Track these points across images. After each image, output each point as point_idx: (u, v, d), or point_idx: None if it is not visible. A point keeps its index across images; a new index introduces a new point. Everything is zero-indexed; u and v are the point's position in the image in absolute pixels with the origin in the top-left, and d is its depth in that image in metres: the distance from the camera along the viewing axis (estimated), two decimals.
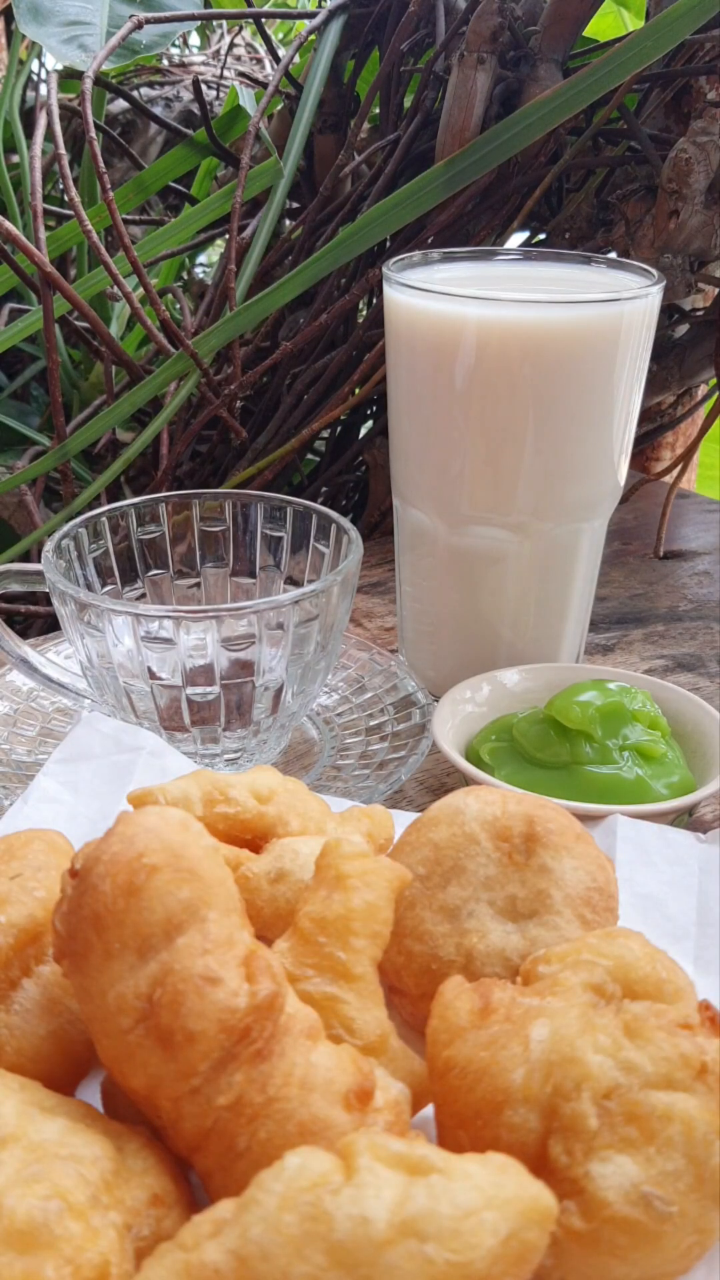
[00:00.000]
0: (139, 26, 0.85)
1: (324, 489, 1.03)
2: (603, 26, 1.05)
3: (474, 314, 0.60)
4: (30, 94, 1.24)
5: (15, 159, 1.11)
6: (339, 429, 1.04)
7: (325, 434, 1.05)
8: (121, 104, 1.27)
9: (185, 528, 0.68)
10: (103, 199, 0.83)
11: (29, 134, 1.10)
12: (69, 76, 1.03)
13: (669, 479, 0.98)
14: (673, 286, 0.81)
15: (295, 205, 1.04)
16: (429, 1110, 0.38)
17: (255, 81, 1.20)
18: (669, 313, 0.93)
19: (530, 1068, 0.33)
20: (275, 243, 0.95)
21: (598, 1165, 0.32)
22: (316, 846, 0.43)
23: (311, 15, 0.97)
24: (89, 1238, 0.29)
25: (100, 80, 0.97)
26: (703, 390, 1.02)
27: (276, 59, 1.05)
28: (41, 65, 1.22)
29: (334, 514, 0.64)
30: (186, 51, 1.48)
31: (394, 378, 0.67)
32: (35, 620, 0.91)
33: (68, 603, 0.57)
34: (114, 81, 1.06)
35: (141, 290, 0.86)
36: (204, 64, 1.35)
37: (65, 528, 0.63)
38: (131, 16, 0.86)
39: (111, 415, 0.87)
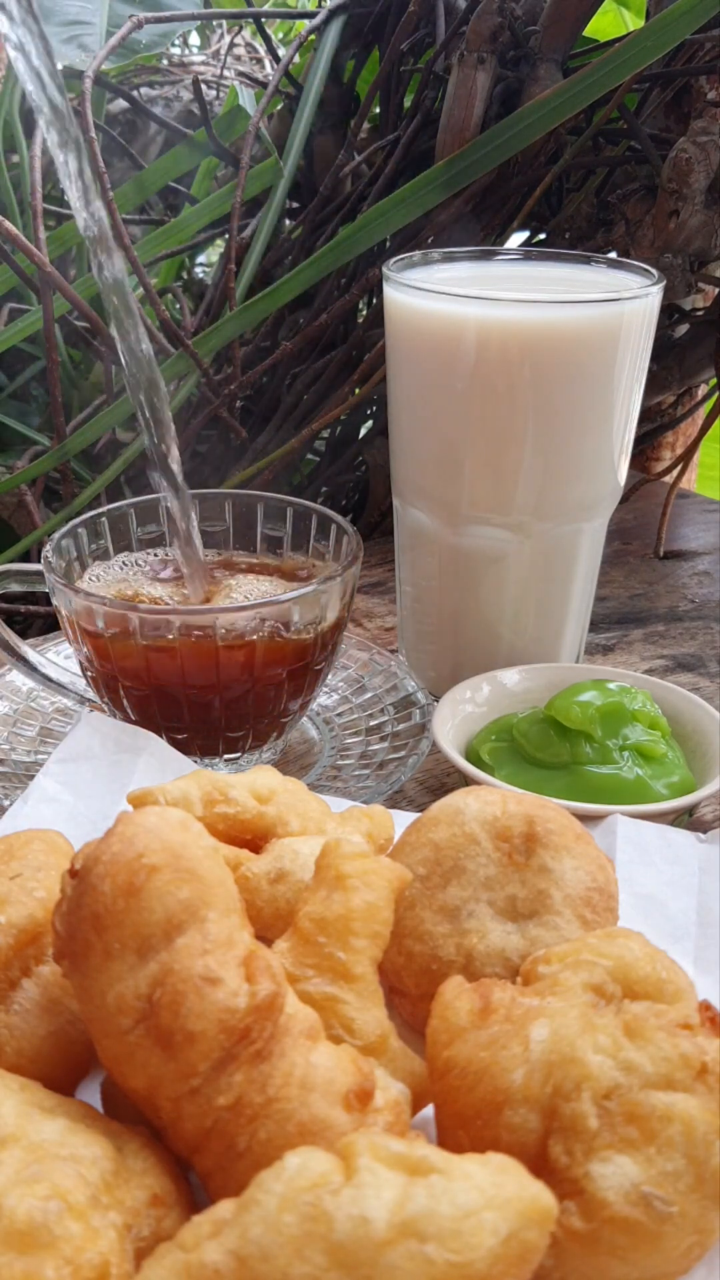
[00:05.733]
0: (139, 26, 0.85)
1: (324, 489, 1.03)
2: (603, 26, 1.05)
3: (474, 314, 0.60)
4: None
5: (15, 159, 1.10)
6: (339, 429, 1.04)
7: (325, 434, 1.05)
8: (121, 104, 1.27)
9: None
10: (102, 199, 0.83)
11: (29, 134, 1.09)
12: (69, 76, 1.03)
13: (669, 479, 0.98)
14: (673, 286, 0.81)
15: (295, 205, 1.04)
16: (429, 1110, 0.38)
17: (255, 81, 1.20)
18: (669, 313, 0.93)
19: (530, 1068, 0.33)
20: (275, 243, 0.95)
21: (598, 1165, 0.32)
22: (316, 846, 0.43)
23: (311, 15, 0.97)
24: (89, 1238, 0.29)
25: (100, 80, 0.97)
26: (703, 390, 1.02)
27: (276, 59, 1.05)
28: None
29: (334, 514, 0.64)
30: (186, 51, 1.47)
31: (394, 378, 0.67)
32: (35, 620, 0.91)
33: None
34: (114, 81, 1.06)
35: (141, 290, 0.86)
36: (204, 64, 1.35)
37: (65, 528, 0.63)
38: (131, 16, 0.86)
39: (111, 415, 0.87)
